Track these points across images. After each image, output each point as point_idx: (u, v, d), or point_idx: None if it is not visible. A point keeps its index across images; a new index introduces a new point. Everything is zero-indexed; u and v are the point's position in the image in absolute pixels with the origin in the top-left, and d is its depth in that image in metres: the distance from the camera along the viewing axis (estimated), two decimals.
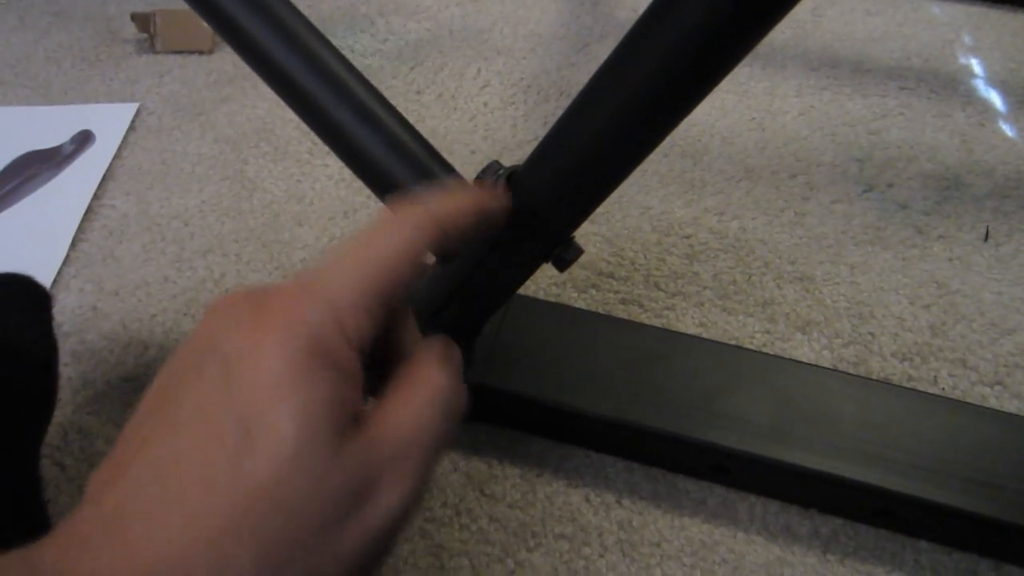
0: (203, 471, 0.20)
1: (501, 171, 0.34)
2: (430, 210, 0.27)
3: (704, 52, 0.26)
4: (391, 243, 0.25)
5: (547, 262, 0.36)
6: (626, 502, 0.42)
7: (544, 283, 0.52)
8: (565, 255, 0.35)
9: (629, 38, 0.28)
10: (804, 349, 0.49)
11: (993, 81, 0.70)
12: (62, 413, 0.45)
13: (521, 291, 0.42)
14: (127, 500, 0.20)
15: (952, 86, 0.69)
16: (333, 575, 0.21)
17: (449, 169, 0.39)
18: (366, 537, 0.22)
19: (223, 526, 0.20)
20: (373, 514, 0.22)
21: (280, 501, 0.20)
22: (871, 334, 0.49)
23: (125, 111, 0.68)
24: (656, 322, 0.50)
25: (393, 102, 0.61)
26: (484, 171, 0.35)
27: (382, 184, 0.39)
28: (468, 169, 0.35)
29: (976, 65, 0.72)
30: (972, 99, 0.68)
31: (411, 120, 0.40)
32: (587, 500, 0.42)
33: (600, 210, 0.46)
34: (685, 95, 0.29)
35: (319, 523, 0.21)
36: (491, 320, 0.42)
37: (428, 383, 0.26)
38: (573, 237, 0.35)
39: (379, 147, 0.38)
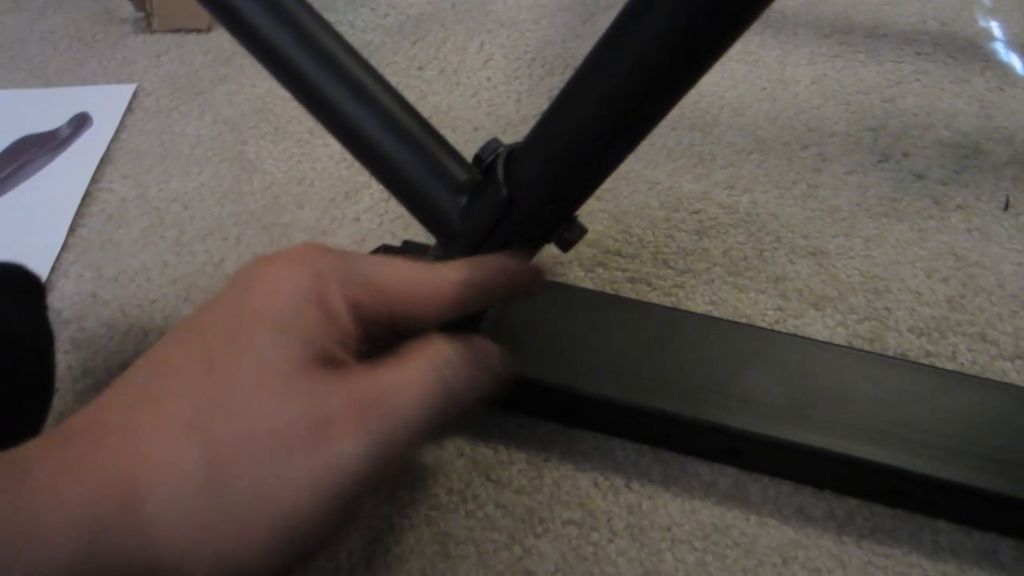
0: (183, 372, 0.22)
1: (500, 149, 0.33)
2: (469, 276, 0.29)
3: (710, 18, 0.25)
4: (424, 278, 0.27)
5: (550, 243, 0.35)
6: (635, 486, 0.41)
7: (549, 262, 0.51)
8: (568, 235, 0.34)
9: (630, 6, 0.27)
10: (818, 326, 0.47)
11: (1013, 44, 0.67)
12: (62, 402, 0.45)
13: None
14: (115, 397, 0.22)
15: (970, 50, 0.67)
16: (275, 507, 0.21)
17: (449, 149, 0.37)
18: (316, 482, 0.21)
19: (183, 422, 0.21)
20: (327, 458, 0.22)
21: (237, 407, 0.21)
22: (887, 309, 0.48)
23: (122, 92, 0.67)
24: (665, 300, 0.49)
25: (395, 79, 0.60)
26: (483, 149, 0.34)
27: (379, 164, 0.38)
28: (471, 147, 0.33)
29: (996, 28, 0.69)
30: (991, 63, 0.65)
31: (413, 97, 0.39)
32: (595, 484, 0.41)
33: (606, 186, 0.45)
34: (690, 65, 0.27)
35: (270, 442, 0.21)
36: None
37: (429, 348, 0.25)
38: (576, 216, 0.34)
39: (376, 127, 0.37)
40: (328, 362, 0.23)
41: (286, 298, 0.23)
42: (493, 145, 0.33)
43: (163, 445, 0.21)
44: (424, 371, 0.24)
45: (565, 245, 0.34)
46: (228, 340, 0.22)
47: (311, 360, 0.22)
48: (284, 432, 0.21)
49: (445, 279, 0.28)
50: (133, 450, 0.21)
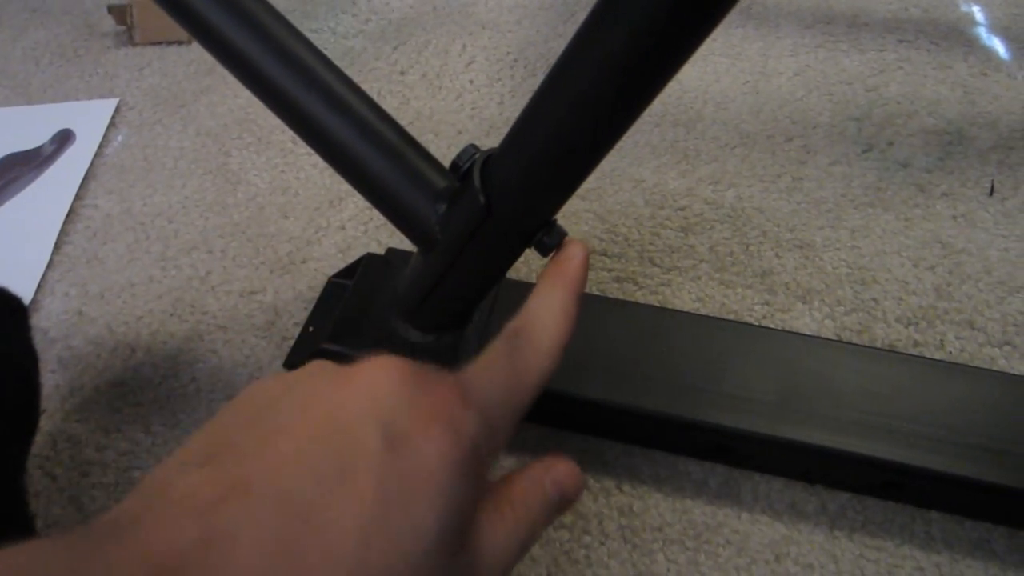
0: (330, 531, 0.20)
1: (476, 155, 0.33)
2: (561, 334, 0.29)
3: (678, 16, 0.25)
4: (533, 370, 0.27)
5: (530, 247, 0.34)
6: (626, 487, 0.41)
7: (536, 265, 0.50)
8: (548, 240, 0.33)
9: (598, 6, 0.27)
10: (806, 319, 0.47)
11: (995, 28, 0.67)
12: (51, 421, 0.45)
13: (512, 275, 0.41)
14: (241, 528, 0.19)
15: (953, 36, 0.67)
16: None
17: (426, 156, 0.37)
18: None
19: None
20: None
21: None
22: (874, 300, 0.48)
23: (105, 107, 0.66)
24: (652, 299, 0.49)
25: (377, 84, 0.60)
26: (459, 156, 0.33)
27: (358, 175, 0.37)
28: (455, 151, 0.33)
29: (977, 12, 0.69)
30: (974, 48, 0.65)
31: (396, 102, 0.39)
32: (586, 487, 0.41)
33: (591, 185, 0.44)
34: (661, 63, 0.27)
35: None
36: (480, 307, 0.41)
37: (520, 510, 0.25)
38: (556, 220, 0.34)
39: (353, 138, 0.37)
40: (469, 530, 0.23)
41: (447, 474, 0.21)
42: (470, 151, 0.33)
43: None
44: (517, 537, 0.25)
45: (545, 250, 0.34)
46: (384, 512, 0.20)
47: (461, 536, 0.22)
48: None
49: (548, 359, 0.28)
50: None
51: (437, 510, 0.21)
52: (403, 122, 0.38)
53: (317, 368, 0.24)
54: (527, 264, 0.51)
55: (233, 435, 0.22)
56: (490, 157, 0.33)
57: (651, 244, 0.52)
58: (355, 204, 0.56)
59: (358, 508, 0.20)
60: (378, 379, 0.23)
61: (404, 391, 0.23)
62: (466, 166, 0.33)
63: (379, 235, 0.53)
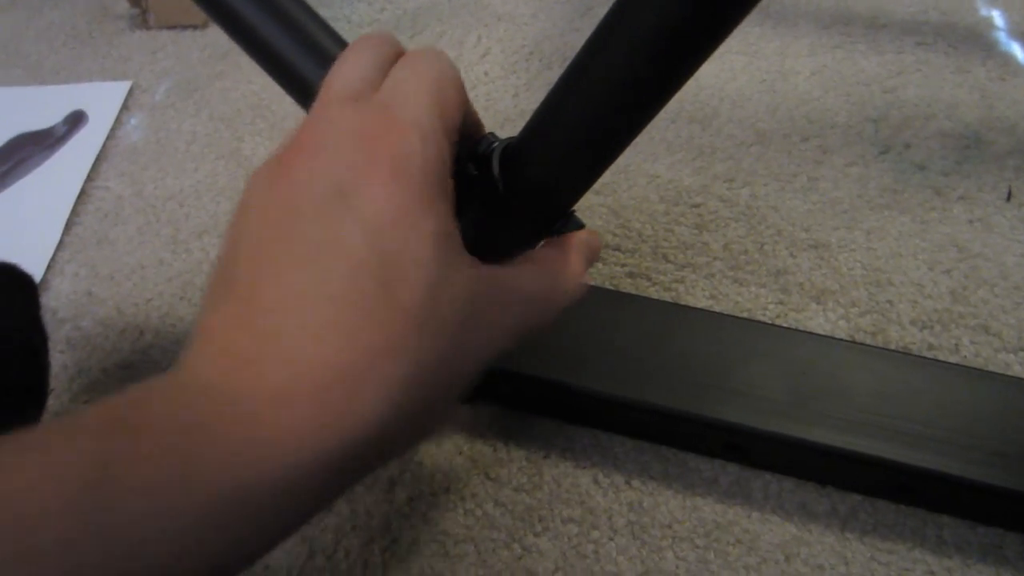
0: (353, 297, 0.22)
1: (496, 144, 0.33)
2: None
3: (703, 9, 0.24)
4: (437, 66, 0.28)
5: (547, 238, 0.34)
6: (636, 483, 0.40)
7: None
8: (565, 231, 0.33)
9: None
10: (819, 319, 0.47)
11: (1015, 33, 0.67)
12: (58, 402, 0.44)
13: None
14: (275, 322, 0.21)
15: (972, 39, 0.66)
16: (464, 382, 0.26)
17: None
18: (480, 356, 0.26)
19: (384, 346, 0.21)
20: (490, 337, 0.26)
21: (429, 323, 0.22)
22: (889, 302, 0.48)
23: (118, 90, 0.66)
24: (665, 295, 0.48)
25: None
26: (477, 144, 0.33)
27: None
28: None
29: (997, 16, 0.69)
30: (993, 52, 0.65)
31: None
32: (595, 482, 0.41)
33: (606, 180, 0.44)
34: (685, 58, 0.27)
35: (459, 341, 0.24)
36: None
37: (557, 260, 0.31)
38: (574, 211, 0.33)
39: None
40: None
41: (418, 202, 0.23)
42: (489, 140, 0.33)
43: (374, 370, 0.21)
44: (548, 279, 0.31)
45: None
46: (390, 264, 0.23)
47: (464, 253, 0.26)
48: (467, 326, 0.25)
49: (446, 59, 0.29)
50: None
51: (426, 237, 0.23)
52: None
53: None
54: None
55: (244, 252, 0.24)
56: (509, 146, 0.33)
57: (665, 240, 0.51)
58: None
59: (361, 274, 0.22)
60: (316, 155, 0.25)
61: (340, 152, 0.24)
62: (485, 154, 0.33)
63: None
